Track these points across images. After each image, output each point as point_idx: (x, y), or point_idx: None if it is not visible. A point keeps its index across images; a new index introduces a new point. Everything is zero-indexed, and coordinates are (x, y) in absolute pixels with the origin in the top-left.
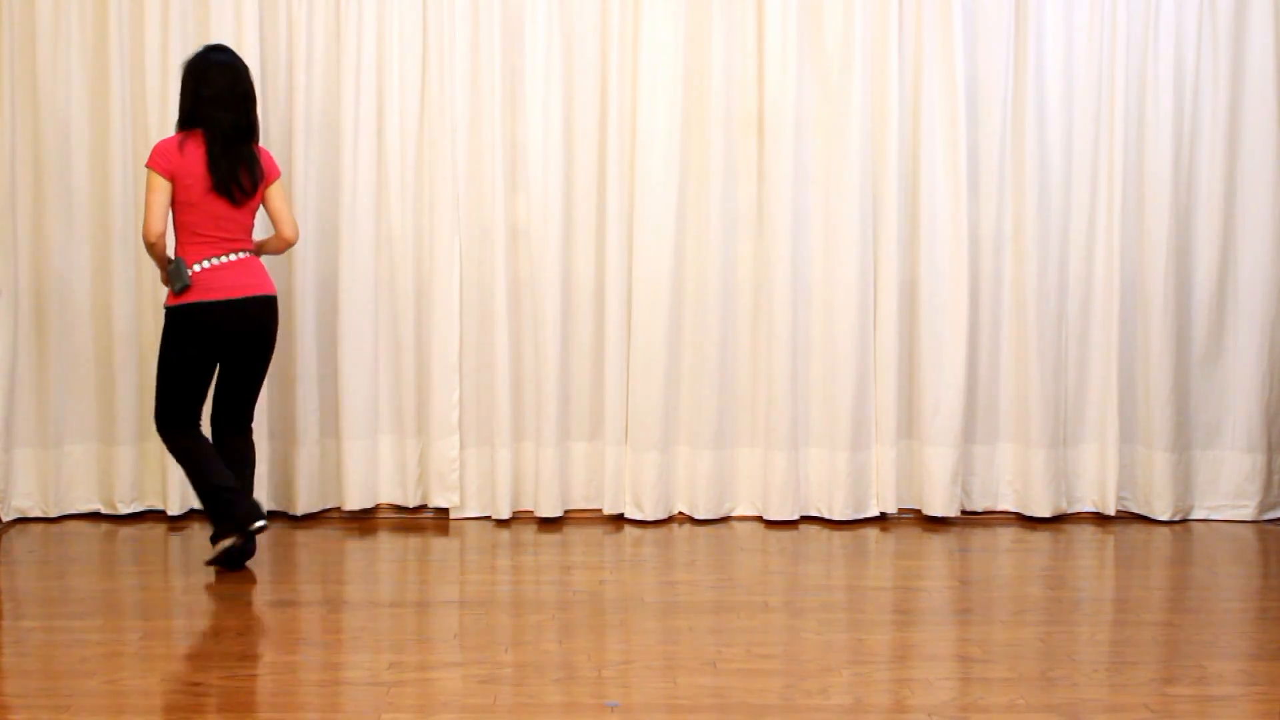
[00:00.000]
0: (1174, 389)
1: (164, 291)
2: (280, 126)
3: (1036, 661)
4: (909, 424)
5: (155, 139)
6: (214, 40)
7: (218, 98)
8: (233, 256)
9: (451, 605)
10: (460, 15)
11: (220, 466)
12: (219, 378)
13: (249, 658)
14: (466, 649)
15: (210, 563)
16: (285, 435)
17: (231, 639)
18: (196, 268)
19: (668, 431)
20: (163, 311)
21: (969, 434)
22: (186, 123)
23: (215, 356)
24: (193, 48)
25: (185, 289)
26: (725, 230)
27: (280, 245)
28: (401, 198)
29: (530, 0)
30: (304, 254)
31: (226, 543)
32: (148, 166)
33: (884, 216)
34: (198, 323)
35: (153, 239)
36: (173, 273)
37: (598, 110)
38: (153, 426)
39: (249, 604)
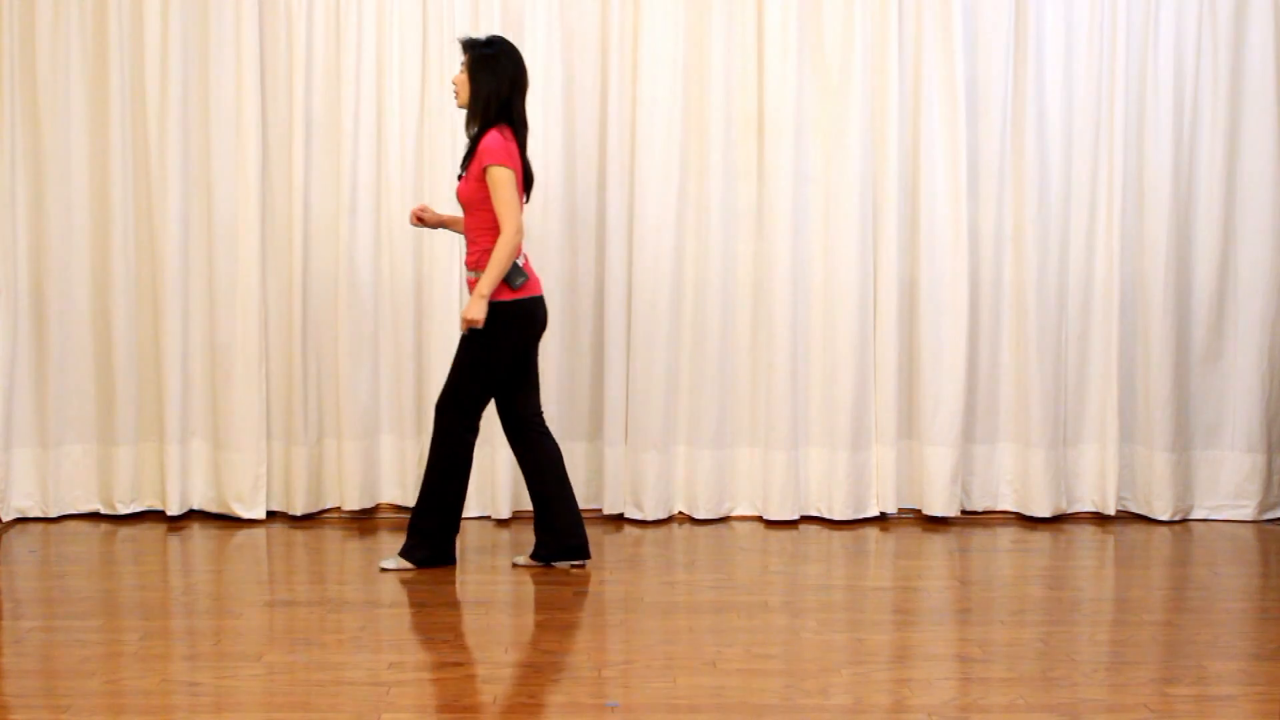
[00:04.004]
0: (1174, 389)
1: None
2: (280, 126)
3: (1036, 661)
4: (909, 424)
5: (155, 139)
6: (213, 40)
7: (524, 92)
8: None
9: (451, 605)
10: (460, 15)
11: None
12: (522, 376)
13: (249, 658)
14: (466, 649)
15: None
16: (285, 435)
17: (231, 639)
18: (519, 261)
19: (668, 431)
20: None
21: (969, 434)
22: (502, 114)
23: (533, 351)
24: (193, 48)
25: (524, 282)
26: (725, 230)
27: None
28: (401, 198)
29: (530, 0)
30: (304, 254)
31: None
32: (505, 165)
33: (884, 216)
34: (536, 317)
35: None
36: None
37: (598, 110)
38: (152, 426)
39: (249, 604)
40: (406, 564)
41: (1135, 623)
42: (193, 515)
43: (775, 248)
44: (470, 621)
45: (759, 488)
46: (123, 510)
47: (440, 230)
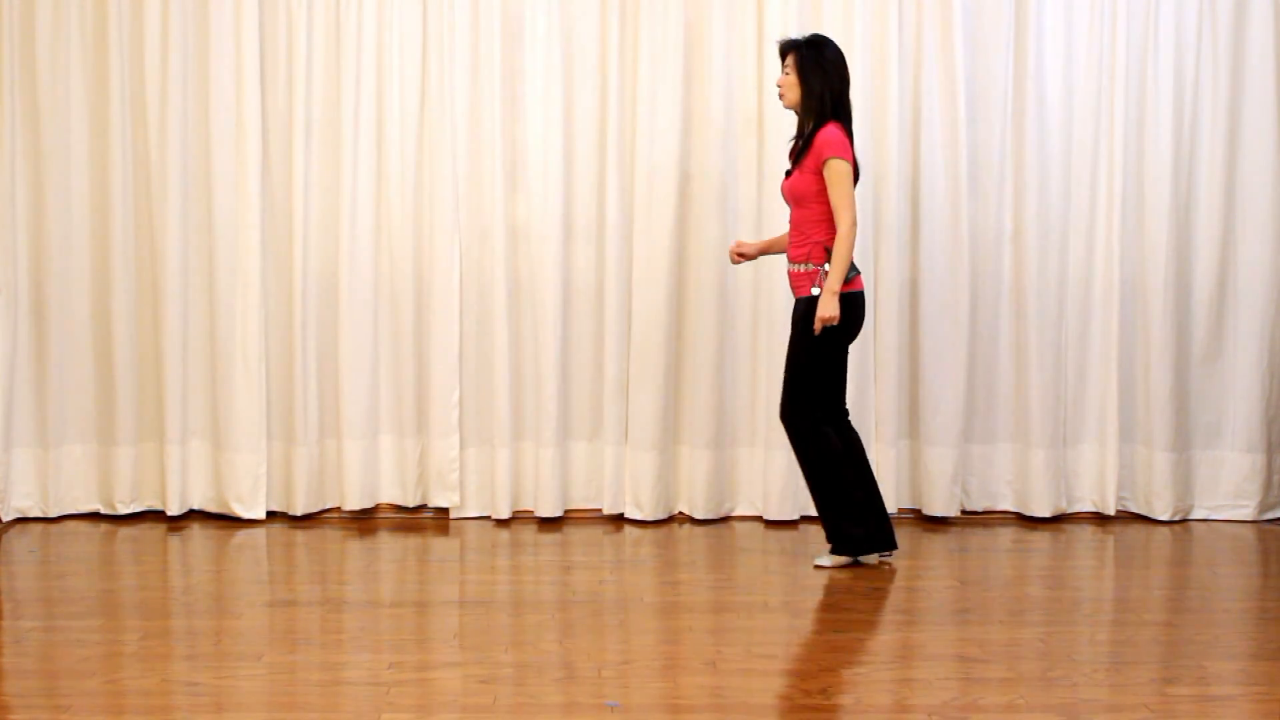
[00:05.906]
0: (1174, 389)
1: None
2: (280, 126)
3: (1036, 661)
4: (909, 424)
5: (155, 139)
6: (214, 40)
7: (849, 83)
8: None
9: (451, 605)
10: (460, 15)
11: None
12: (840, 369)
13: (249, 658)
14: (466, 649)
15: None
16: (285, 435)
17: (231, 639)
18: None
19: (668, 431)
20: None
21: (969, 434)
22: (838, 108)
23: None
24: (193, 48)
25: (854, 276)
26: (725, 229)
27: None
28: (401, 198)
29: (530, 0)
30: (304, 254)
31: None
32: (845, 159)
33: (884, 216)
34: (862, 310)
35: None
36: None
37: (598, 110)
38: (152, 426)
39: (249, 604)
40: (841, 559)
41: (1135, 623)
42: (193, 515)
43: None
44: (470, 621)
45: (759, 488)
46: (123, 510)
47: (440, 231)
